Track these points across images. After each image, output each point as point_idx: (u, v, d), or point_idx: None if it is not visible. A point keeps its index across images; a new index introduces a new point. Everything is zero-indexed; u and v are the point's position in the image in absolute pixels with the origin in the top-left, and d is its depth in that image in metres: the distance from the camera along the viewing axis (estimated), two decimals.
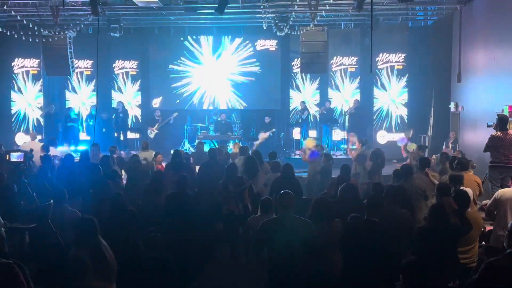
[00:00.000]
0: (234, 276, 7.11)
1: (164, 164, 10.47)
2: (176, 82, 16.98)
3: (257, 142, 14.09)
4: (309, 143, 11.48)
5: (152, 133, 15.62)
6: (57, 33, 14.17)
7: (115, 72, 17.03)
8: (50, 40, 14.25)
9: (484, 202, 7.47)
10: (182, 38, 16.85)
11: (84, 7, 13.06)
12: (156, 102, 17.10)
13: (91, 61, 16.63)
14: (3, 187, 7.18)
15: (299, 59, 14.67)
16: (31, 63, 16.46)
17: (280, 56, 16.90)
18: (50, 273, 5.44)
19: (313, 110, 16.36)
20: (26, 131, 16.25)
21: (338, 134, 16.01)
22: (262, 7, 12.98)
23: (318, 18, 13.63)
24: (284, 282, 5.07)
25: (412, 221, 6.08)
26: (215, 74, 16.95)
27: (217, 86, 17.01)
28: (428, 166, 8.21)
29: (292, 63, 16.66)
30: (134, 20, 15.48)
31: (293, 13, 13.62)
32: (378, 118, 15.88)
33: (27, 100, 16.55)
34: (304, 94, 16.64)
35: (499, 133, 8.15)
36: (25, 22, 13.88)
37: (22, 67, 16.49)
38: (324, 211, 5.49)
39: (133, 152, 13.22)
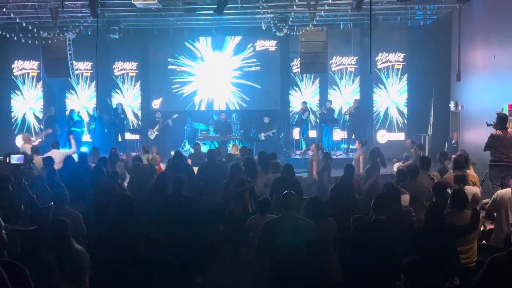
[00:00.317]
0: (235, 277, 7.12)
1: (162, 165, 10.47)
2: (175, 83, 16.98)
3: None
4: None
5: (152, 134, 15.63)
6: (56, 35, 14.18)
7: (115, 74, 17.04)
8: (50, 42, 14.26)
9: (484, 201, 7.48)
10: (185, 42, 16.83)
11: (83, 9, 13.07)
12: (156, 103, 17.11)
13: (91, 63, 16.62)
14: (3, 189, 7.18)
15: (299, 59, 14.67)
16: (31, 65, 16.46)
17: (280, 56, 16.92)
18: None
19: (313, 110, 16.35)
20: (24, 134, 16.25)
21: (338, 134, 16.01)
22: (261, 7, 12.98)
23: (317, 18, 13.63)
24: (286, 282, 5.07)
25: (413, 221, 6.08)
26: (214, 74, 16.96)
27: (217, 87, 17.02)
28: (429, 165, 8.21)
29: (292, 63, 16.67)
30: (133, 22, 15.48)
31: (292, 13, 13.64)
32: (378, 117, 15.87)
33: (27, 103, 16.55)
34: (304, 95, 16.64)
35: (499, 132, 8.15)
36: (24, 24, 13.89)
37: (22, 69, 16.49)
38: (317, 211, 5.49)
39: (133, 154, 13.21)
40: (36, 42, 14.64)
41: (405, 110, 15.85)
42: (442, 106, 14.75)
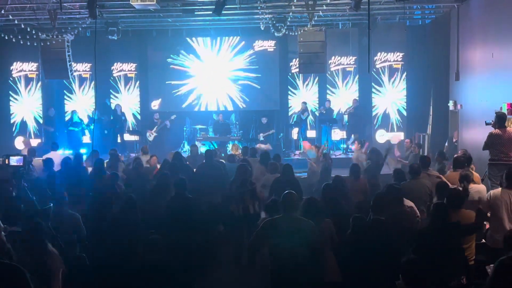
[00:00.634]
0: (235, 278, 7.12)
1: (159, 166, 10.46)
2: (174, 84, 16.99)
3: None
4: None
5: (151, 136, 15.63)
6: (55, 37, 14.17)
7: (114, 75, 17.03)
8: (48, 43, 14.26)
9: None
10: (184, 41, 16.85)
11: (82, 10, 13.08)
12: (155, 104, 17.11)
13: (90, 64, 16.64)
14: (3, 191, 7.19)
15: (297, 59, 14.68)
16: (30, 67, 16.46)
17: (279, 56, 16.93)
18: None
19: (313, 111, 16.36)
20: (26, 135, 16.26)
21: (337, 134, 16.02)
22: (259, 8, 12.98)
23: (316, 18, 13.64)
24: (286, 281, 5.08)
25: (416, 221, 6.08)
26: (213, 75, 16.96)
27: (216, 88, 17.03)
28: (429, 165, 8.20)
29: (291, 64, 16.67)
30: (132, 23, 15.48)
31: (291, 13, 13.64)
32: (377, 117, 15.88)
33: (26, 104, 16.54)
34: (303, 95, 16.64)
35: (497, 131, 8.15)
36: (23, 26, 13.89)
37: (20, 71, 16.49)
38: (313, 211, 5.50)
39: (132, 155, 13.23)
40: (35, 44, 14.63)
41: (404, 110, 15.86)
42: (441, 106, 14.75)
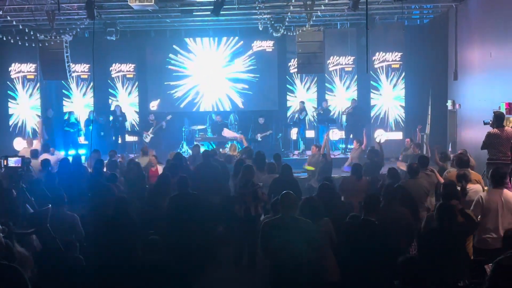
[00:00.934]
0: (235, 278, 7.12)
1: (159, 167, 10.46)
2: (173, 84, 16.99)
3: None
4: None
5: (147, 137, 15.62)
6: (53, 38, 14.17)
7: (112, 76, 17.03)
8: (47, 44, 14.25)
9: None
10: (183, 41, 16.85)
11: (80, 11, 13.08)
12: (154, 105, 17.11)
13: (88, 65, 16.63)
14: (1, 192, 7.18)
15: (296, 59, 14.68)
16: (28, 68, 16.43)
17: (277, 56, 16.93)
18: (49, 277, 5.44)
19: (310, 111, 16.36)
20: (24, 136, 16.25)
21: (336, 134, 16.02)
22: (257, 8, 12.98)
23: (314, 18, 13.65)
24: (286, 281, 5.08)
25: (411, 220, 6.08)
26: (212, 76, 16.96)
27: (214, 88, 17.03)
28: (427, 164, 8.20)
29: (289, 64, 16.68)
30: (130, 23, 15.48)
31: (289, 13, 13.64)
32: (375, 117, 15.88)
33: (24, 105, 16.53)
34: (301, 95, 16.65)
35: (496, 130, 8.15)
36: (21, 27, 13.87)
37: (19, 72, 16.46)
38: (312, 211, 5.51)
39: (131, 156, 13.23)
40: (33, 45, 14.64)
41: (402, 109, 15.86)
42: (440, 105, 14.78)
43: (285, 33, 14.67)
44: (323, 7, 13.12)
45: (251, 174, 7.94)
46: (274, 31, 14.16)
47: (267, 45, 16.81)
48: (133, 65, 17.08)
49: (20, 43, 14.41)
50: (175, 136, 16.15)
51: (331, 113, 15.95)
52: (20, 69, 16.45)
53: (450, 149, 13.16)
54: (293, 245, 5.03)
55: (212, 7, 11.64)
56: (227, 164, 9.99)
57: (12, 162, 7.56)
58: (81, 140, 15.95)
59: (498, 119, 8.21)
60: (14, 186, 7.15)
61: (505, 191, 6.27)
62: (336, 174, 11.22)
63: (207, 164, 9.20)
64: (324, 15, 14.57)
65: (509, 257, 4.08)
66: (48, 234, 5.93)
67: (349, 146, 15.12)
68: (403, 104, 15.84)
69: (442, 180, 7.46)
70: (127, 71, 17.07)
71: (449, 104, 13.85)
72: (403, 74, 15.75)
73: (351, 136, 15.10)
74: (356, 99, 15.75)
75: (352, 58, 16.09)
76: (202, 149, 12.64)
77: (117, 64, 17.01)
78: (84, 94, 17.03)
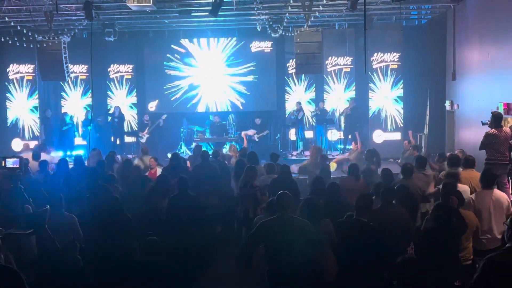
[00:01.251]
0: (234, 278, 7.11)
1: (158, 168, 10.45)
2: (171, 85, 16.98)
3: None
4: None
5: (143, 138, 15.60)
6: (51, 38, 14.15)
7: (111, 76, 17.02)
8: (45, 45, 14.24)
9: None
10: (180, 42, 16.86)
11: (78, 12, 13.07)
12: (152, 106, 17.10)
13: (86, 66, 16.61)
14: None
15: (294, 60, 14.69)
16: (26, 69, 16.43)
17: (275, 57, 16.94)
18: (47, 278, 5.44)
19: (308, 111, 16.37)
20: (22, 137, 16.24)
21: (334, 134, 16.02)
22: (256, 9, 12.99)
23: (312, 19, 13.65)
24: (284, 282, 5.08)
25: (409, 220, 6.08)
26: (210, 76, 16.96)
27: (212, 88, 17.03)
28: (425, 165, 8.20)
29: (288, 64, 16.68)
30: (129, 24, 15.48)
31: (287, 14, 13.64)
32: (374, 117, 15.88)
33: (23, 106, 16.51)
34: (299, 96, 16.66)
35: (494, 131, 8.16)
36: (19, 28, 13.86)
37: (17, 72, 16.46)
38: (313, 211, 5.50)
39: (130, 157, 13.21)
40: (31, 46, 14.63)
41: (401, 110, 15.86)
42: (438, 106, 14.79)
43: (283, 33, 14.67)
44: (321, 8, 13.12)
45: (252, 176, 7.93)
46: (273, 31, 14.15)
47: (265, 45, 16.82)
48: (131, 66, 17.07)
49: (18, 44, 14.40)
50: (173, 136, 16.14)
51: (328, 114, 15.95)
52: (18, 70, 16.44)
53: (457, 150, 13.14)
54: (290, 245, 5.02)
55: (210, 7, 11.64)
56: (227, 164, 10.00)
57: (10, 163, 7.54)
58: (78, 141, 15.93)
59: (496, 120, 8.21)
60: (12, 187, 7.13)
61: (495, 191, 6.30)
62: (334, 175, 11.19)
63: (205, 164, 9.19)
64: (322, 16, 14.57)
65: (501, 254, 4.09)
66: (47, 235, 5.92)
67: (347, 147, 15.13)
68: (401, 105, 15.84)
69: (432, 189, 7.45)
70: (125, 72, 17.07)
71: (447, 104, 13.86)
72: (401, 74, 15.76)
73: (349, 137, 15.11)
74: (354, 99, 15.74)
75: (351, 58, 16.11)
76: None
77: (115, 65, 17.01)
78: (83, 95, 17.02)
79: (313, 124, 16.09)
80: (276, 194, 5.40)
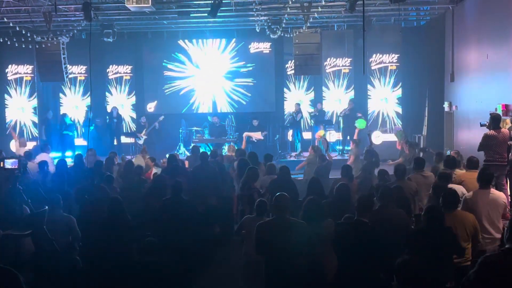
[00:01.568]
0: (233, 278, 7.11)
1: (154, 168, 10.44)
2: (170, 86, 16.98)
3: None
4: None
5: (140, 139, 15.60)
6: (50, 39, 14.16)
7: (109, 77, 17.02)
8: (44, 46, 14.24)
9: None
10: (178, 43, 16.86)
11: (77, 13, 13.07)
12: (151, 107, 17.10)
13: (85, 67, 16.59)
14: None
15: (293, 61, 14.69)
16: (25, 70, 16.41)
17: (274, 58, 16.94)
18: (46, 279, 5.43)
19: (306, 112, 16.37)
20: (21, 138, 16.21)
21: (332, 135, 16.01)
22: (254, 10, 13.00)
23: (311, 20, 13.66)
24: (281, 283, 5.08)
25: (407, 221, 6.08)
26: (209, 77, 16.97)
27: (211, 89, 17.03)
28: (423, 166, 8.21)
29: (286, 65, 16.69)
30: (127, 25, 15.48)
31: (286, 15, 13.66)
32: (372, 118, 15.89)
33: (21, 107, 16.49)
34: (298, 97, 16.66)
35: (492, 132, 8.17)
36: (18, 28, 13.87)
37: (16, 73, 16.44)
38: (315, 212, 5.50)
39: (128, 157, 13.22)
40: (30, 46, 14.62)
41: (399, 111, 15.87)
42: (436, 107, 14.80)
43: (282, 34, 14.66)
44: (320, 9, 13.13)
45: (252, 177, 7.94)
46: (271, 32, 14.16)
47: (264, 46, 16.82)
48: (130, 67, 17.07)
49: (17, 45, 14.39)
50: (172, 137, 16.14)
51: (326, 115, 15.95)
52: (17, 71, 16.42)
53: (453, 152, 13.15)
54: (286, 247, 5.02)
55: (209, 8, 11.65)
56: (222, 163, 10.01)
57: (9, 164, 7.53)
58: (79, 141, 15.92)
59: (494, 121, 8.23)
60: (11, 188, 7.13)
61: (492, 191, 6.30)
62: (332, 175, 11.19)
63: (204, 166, 9.19)
64: (321, 17, 14.58)
65: (498, 254, 4.09)
66: (45, 236, 5.92)
67: (346, 148, 15.12)
68: (400, 106, 15.85)
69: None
70: (124, 72, 17.06)
71: (445, 105, 13.87)
72: (400, 75, 15.77)
73: (348, 137, 15.10)
74: (353, 100, 15.73)
75: (349, 59, 16.11)
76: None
77: (114, 65, 17.01)
78: (81, 95, 17.01)
79: (311, 125, 16.09)
80: (274, 195, 5.41)
